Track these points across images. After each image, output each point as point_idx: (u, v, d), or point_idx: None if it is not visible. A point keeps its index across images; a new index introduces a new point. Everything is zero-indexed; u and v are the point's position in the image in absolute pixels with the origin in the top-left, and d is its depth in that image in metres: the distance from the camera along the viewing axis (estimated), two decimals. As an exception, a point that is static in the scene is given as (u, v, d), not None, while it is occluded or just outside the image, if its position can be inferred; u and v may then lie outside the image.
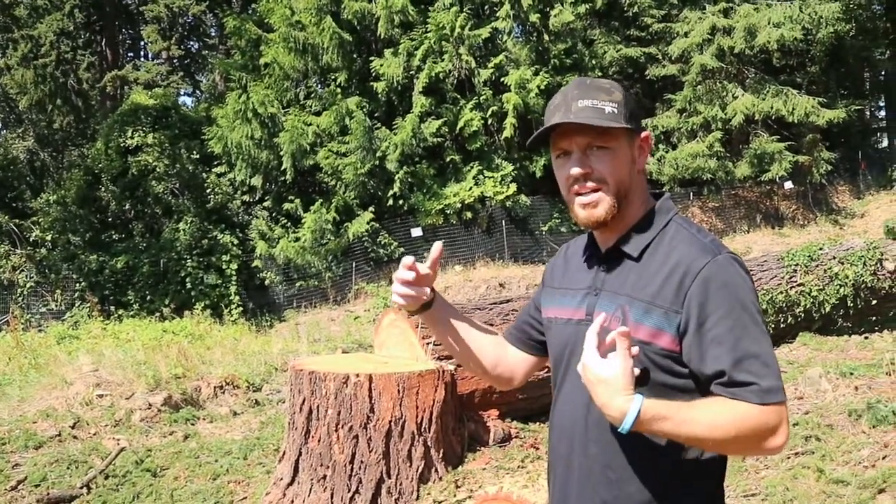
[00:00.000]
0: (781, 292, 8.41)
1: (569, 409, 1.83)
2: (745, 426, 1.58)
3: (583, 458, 1.77)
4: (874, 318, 9.30)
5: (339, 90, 20.22)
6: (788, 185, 23.28)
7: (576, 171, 1.74)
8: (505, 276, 17.14)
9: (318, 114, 20.49)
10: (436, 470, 5.00)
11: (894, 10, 27.10)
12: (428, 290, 1.99)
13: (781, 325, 8.51)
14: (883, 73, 29.20)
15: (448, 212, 19.90)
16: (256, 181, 20.95)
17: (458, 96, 20.36)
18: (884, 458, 4.98)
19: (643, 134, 1.81)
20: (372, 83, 20.26)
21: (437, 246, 1.98)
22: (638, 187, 1.80)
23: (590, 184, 1.74)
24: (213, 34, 38.78)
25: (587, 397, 1.74)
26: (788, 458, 5.25)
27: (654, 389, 1.68)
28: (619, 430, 1.58)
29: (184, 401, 7.99)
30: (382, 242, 20.06)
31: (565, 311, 1.88)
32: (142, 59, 39.25)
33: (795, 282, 8.52)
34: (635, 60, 23.76)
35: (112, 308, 18.77)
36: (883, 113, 32.92)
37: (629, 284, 1.74)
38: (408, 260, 1.94)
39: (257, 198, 21.89)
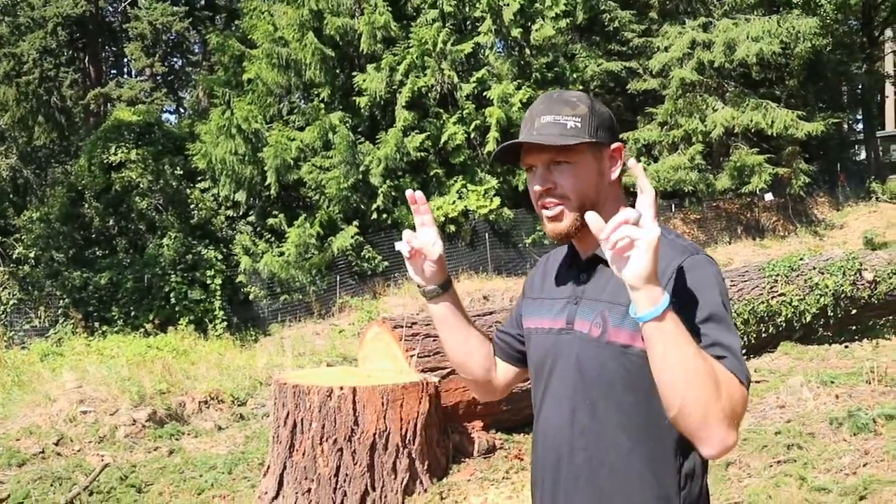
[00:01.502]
0: (762, 302, 8.48)
1: (554, 420, 1.81)
2: (722, 382, 1.52)
3: (570, 466, 1.75)
4: (854, 326, 9.39)
5: (322, 105, 20.24)
6: (769, 197, 23.48)
7: (537, 187, 1.76)
8: (489, 289, 17.18)
9: (301, 129, 20.52)
10: (421, 482, 5.02)
11: (870, 25, 27.49)
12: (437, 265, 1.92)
13: (763, 335, 8.57)
14: (860, 86, 29.55)
15: (432, 225, 19.91)
16: (240, 196, 20.91)
17: (441, 111, 20.43)
18: (865, 466, 5.03)
19: (613, 145, 1.79)
20: (355, 98, 20.30)
21: (413, 194, 1.91)
22: (610, 197, 1.79)
23: (552, 199, 1.75)
24: (196, 51, 38.84)
25: (571, 406, 1.75)
26: (770, 466, 5.30)
27: (637, 393, 1.68)
28: (641, 316, 1.50)
29: (168, 416, 7.97)
30: (367, 256, 20.06)
31: (545, 321, 1.87)
32: (125, 76, 39.20)
33: (776, 292, 8.60)
34: (616, 74, 23.96)
35: (96, 324, 18.67)
36: (861, 126, 33.27)
37: (609, 291, 1.73)
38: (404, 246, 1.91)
39: (241, 213, 21.85)
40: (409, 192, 1.92)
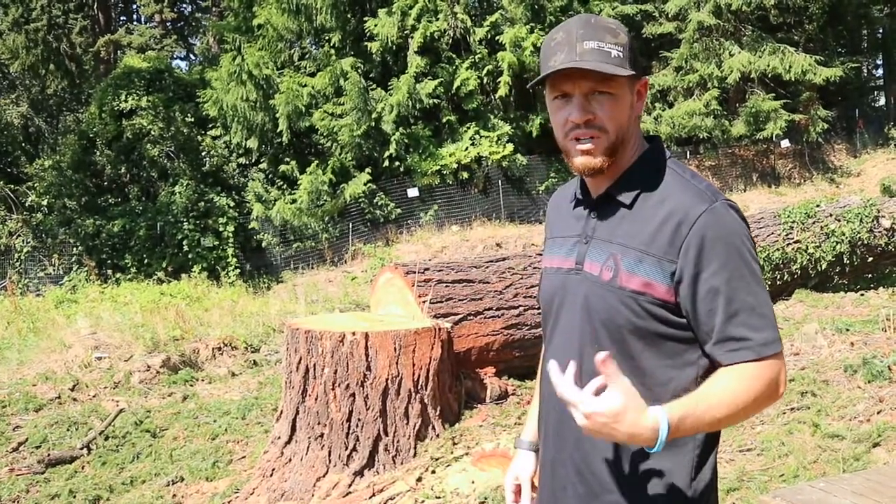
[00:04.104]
0: (778, 249, 8.41)
1: (561, 360, 1.73)
2: (757, 389, 1.58)
3: None
4: (870, 275, 9.33)
5: (333, 51, 20.04)
6: (785, 143, 23.18)
7: (576, 116, 1.66)
8: (502, 236, 17.14)
9: (312, 75, 20.34)
10: (433, 427, 5.03)
11: (894, -35, 26.81)
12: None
13: (778, 282, 8.53)
14: (881, 30, 28.93)
15: (444, 172, 19.84)
16: (252, 143, 20.84)
17: (454, 56, 20.18)
18: (879, 413, 5.01)
19: (643, 79, 1.73)
20: (366, 43, 20.08)
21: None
22: (634, 133, 1.74)
23: (589, 129, 1.67)
24: (205, -4, 38.41)
25: (579, 347, 1.72)
26: (784, 413, 5.29)
27: (646, 339, 1.66)
28: (653, 450, 1.53)
29: (182, 362, 8.02)
30: (379, 203, 20.02)
31: (556, 260, 1.84)
32: (135, 22, 38.87)
33: (792, 239, 8.52)
34: (632, 18, 23.48)
35: (109, 272, 18.76)
36: (880, 71, 32.68)
37: (621, 233, 1.69)
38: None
39: (253, 160, 21.81)
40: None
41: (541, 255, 6.56)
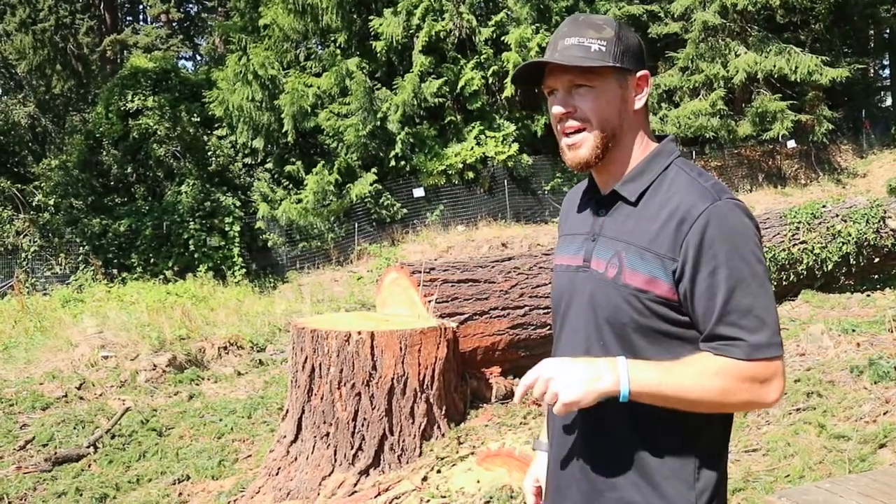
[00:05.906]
0: (784, 249, 8.40)
1: (568, 356, 1.76)
2: (732, 380, 1.56)
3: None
4: (876, 275, 9.30)
5: (338, 51, 20.06)
6: (791, 144, 23.13)
7: (557, 109, 1.71)
8: (507, 236, 17.13)
9: (318, 75, 20.37)
10: (438, 427, 5.04)
11: (900, -35, 26.70)
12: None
13: (784, 283, 8.51)
14: (888, 30, 28.83)
15: (450, 172, 19.84)
16: (258, 143, 20.88)
17: (459, 56, 20.19)
18: (885, 414, 5.00)
19: (640, 73, 1.74)
20: (372, 43, 20.09)
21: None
22: (634, 128, 1.75)
23: (572, 123, 1.70)
24: (211, -4, 38.48)
25: (585, 346, 1.73)
26: (790, 413, 5.28)
27: (650, 337, 1.65)
28: (620, 397, 1.55)
29: (188, 361, 8.05)
30: (385, 203, 20.04)
31: (566, 258, 1.85)
32: (141, 22, 38.98)
33: (798, 239, 8.50)
34: (637, 18, 23.46)
35: (116, 271, 18.80)
36: (887, 71, 32.57)
37: (626, 230, 1.70)
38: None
39: (259, 160, 21.83)
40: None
41: (546, 254, 6.59)
